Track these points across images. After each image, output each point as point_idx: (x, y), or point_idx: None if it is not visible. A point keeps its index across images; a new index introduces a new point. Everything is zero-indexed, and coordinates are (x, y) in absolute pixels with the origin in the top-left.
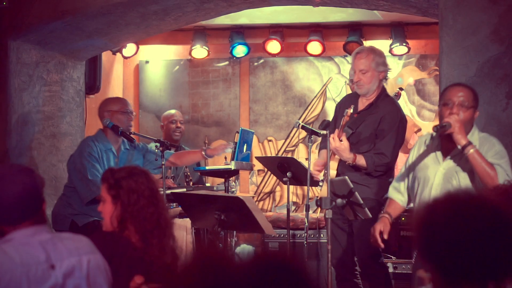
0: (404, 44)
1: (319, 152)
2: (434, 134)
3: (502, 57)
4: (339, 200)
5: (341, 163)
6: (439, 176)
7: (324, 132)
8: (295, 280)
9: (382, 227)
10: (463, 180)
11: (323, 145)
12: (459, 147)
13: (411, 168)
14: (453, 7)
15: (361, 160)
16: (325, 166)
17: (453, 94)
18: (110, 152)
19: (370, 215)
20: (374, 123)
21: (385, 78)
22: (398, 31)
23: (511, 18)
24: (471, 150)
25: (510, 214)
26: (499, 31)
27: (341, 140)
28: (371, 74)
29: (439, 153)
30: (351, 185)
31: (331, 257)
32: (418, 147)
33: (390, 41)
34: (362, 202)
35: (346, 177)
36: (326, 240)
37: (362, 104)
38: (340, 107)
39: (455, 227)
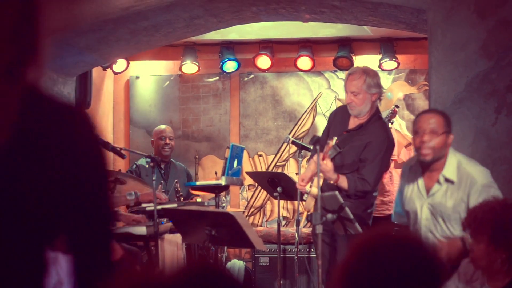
0: (393, 59)
1: (308, 164)
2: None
3: (491, 72)
4: (329, 215)
5: (325, 182)
6: (425, 212)
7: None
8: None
9: None
10: (447, 218)
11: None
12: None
13: (402, 198)
14: (442, 23)
15: (343, 182)
16: (311, 180)
17: (424, 122)
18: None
19: (360, 230)
20: (359, 147)
21: (379, 99)
22: (388, 46)
23: (500, 33)
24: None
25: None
26: (487, 47)
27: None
28: (363, 96)
29: (422, 186)
30: (341, 200)
31: (321, 272)
32: (406, 176)
33: (379, 56)
34: (352, 217)
35: (336, 192)
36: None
37: (353, 122)
38: (335, 117)
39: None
